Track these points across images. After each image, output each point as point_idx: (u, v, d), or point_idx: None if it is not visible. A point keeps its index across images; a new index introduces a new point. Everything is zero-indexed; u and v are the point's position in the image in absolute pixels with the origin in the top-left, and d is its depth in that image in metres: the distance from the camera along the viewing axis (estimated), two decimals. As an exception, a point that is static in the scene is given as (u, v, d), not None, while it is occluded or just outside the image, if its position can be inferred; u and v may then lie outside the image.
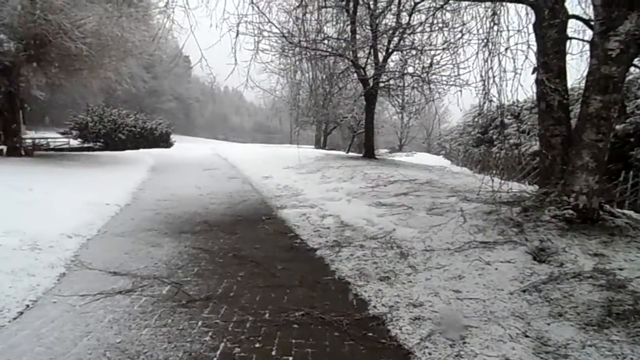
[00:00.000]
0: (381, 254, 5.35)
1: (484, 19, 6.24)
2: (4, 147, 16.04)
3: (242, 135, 77.32)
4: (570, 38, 6.17)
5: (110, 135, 27.95)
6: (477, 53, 6.08)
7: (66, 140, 28.47)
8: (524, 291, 3.99)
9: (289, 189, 10.67)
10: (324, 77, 13.85)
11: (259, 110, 71.97)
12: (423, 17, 12.32)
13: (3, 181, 9.27)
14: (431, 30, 11.21)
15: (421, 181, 9.78)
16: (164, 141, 31.63)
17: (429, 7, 11.13)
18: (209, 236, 6.52)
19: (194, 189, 11.12)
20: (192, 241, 6.22)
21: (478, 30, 6.45)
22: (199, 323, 3.61)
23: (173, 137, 33.86)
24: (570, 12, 6.18)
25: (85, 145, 27.58)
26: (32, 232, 5.78)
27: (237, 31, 7.98)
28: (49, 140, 27.86)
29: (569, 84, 6.24)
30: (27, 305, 3.87)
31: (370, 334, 3.48)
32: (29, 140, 23.27)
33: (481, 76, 5.99)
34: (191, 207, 8.83)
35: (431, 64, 13.04)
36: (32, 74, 16.60)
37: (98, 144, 27.82)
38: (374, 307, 3.95)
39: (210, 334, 3.44)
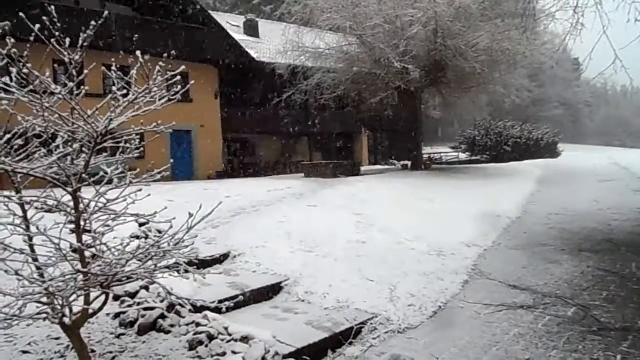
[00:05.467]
0: None
1: None
2: (409, 163, 18.84)
3: (644, 139, 64.12)
4: None
5: (496, 148, 28.53)
6: None
7: (456, 154, 30.93)
8: None
9: None
10: None
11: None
12: None
13: (411, 192, 10.79)
14: None
15: None
16: (549, 151, 29.99)
17: None
18: (616, 257, 5.78)
19: (590, 203, 10.13)
20: (595, 261, 5.65)
21: None
22: (618, 357, 3.18)
23: (560, 147, 31.72)
24: None
25: (473, 158, 29.11)
26: (435, 239, 6.49)
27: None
28: (442, 154, 30.97)
29: None
30: (440, 307, 4.35)
31: None
32: (425, 156, 26.47)
33: None
34: (589, 222, 8.08)
35: None
36: (430, 96, 18.84)
37: (484, 156, 28.88)
38: None
39: (632, 372, 2.98)
